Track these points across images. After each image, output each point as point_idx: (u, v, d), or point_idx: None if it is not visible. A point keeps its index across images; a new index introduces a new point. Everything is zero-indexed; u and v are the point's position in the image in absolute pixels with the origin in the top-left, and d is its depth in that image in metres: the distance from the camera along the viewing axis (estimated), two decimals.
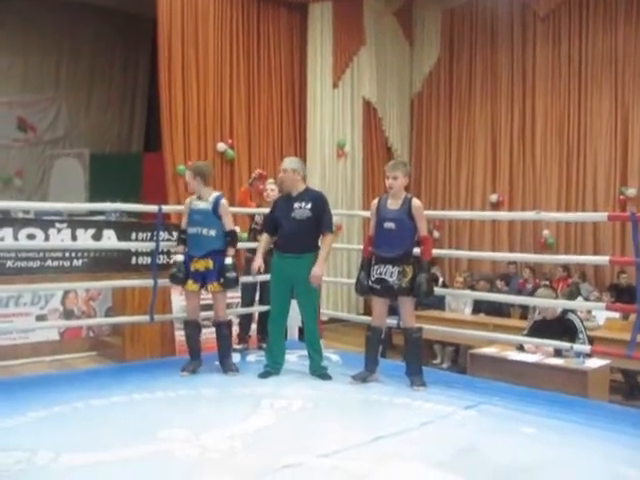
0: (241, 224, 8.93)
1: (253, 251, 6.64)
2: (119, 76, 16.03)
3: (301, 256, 5.88)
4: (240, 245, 6.63)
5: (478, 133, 13.36)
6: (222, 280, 5.94)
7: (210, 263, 5.96)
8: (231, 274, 5.94)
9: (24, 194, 14.12)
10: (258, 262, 6.05)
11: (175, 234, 8.20)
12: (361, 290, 5.88)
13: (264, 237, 6.21)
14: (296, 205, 5.90)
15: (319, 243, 6.00)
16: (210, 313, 6.36)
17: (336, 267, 11.80)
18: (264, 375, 5.93)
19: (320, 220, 5.92)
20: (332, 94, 12.39)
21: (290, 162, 6.06)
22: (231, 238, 6.04)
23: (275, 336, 6.09)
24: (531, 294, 8.61)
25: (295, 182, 5.98)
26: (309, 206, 5.88)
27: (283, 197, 6.15)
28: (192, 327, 6.18)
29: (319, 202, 5.97)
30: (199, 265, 5.98)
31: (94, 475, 3.61)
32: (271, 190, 7.23)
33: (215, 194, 6.11)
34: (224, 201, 6.07)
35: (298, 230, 5.85)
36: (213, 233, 5.97)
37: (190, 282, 6.03)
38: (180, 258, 6.06)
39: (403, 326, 5.87)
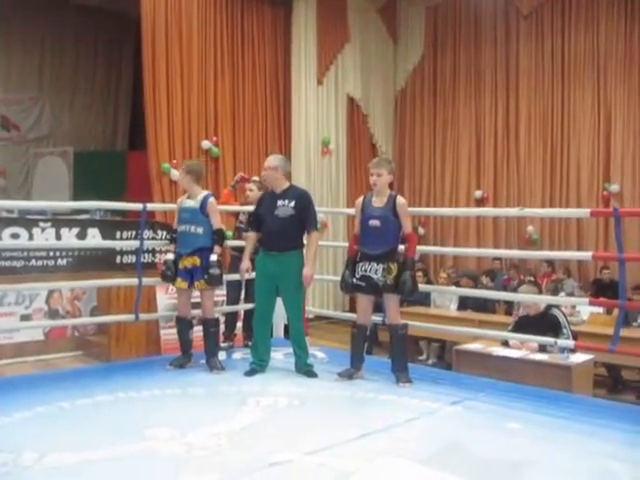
0: (225, 222, 8.91)
1: (239, 249, 6.65)
2: (103, 74, 15.93)
3: (285, 254, 5.90)
4: (225, 243, 6.62)
5: (462, 130, 13.41)
6: (206, 277, 5.97)
7: (197, 260, 6.01)
8: (215, 271, 5.96)
9: (7, 193, 14.03)
10: (246, 264, 6.15)
11: (160, 232, 8.25)
12: (346, 288, 5.91)
13: (250, 235, 6.23)
14: (279, 203, 5.90)
15: (304, 240, 6.03)
16: (199, 311, 6.37)
17: (322, 264, 11.79)
18: (250, 373, 5.94)
19: (304, 218, 5.94)
20: (316, 91, 12.38)
21: (272, 160, 6.07)
22: (218, 236, 6.07)
23: (260, 334, 6.10)
24: (515, 290, 8.66)
25: (277, 180, 5.98)
26: (292, 204, 5.89)
27: (268, 194, 6.15)
28: (182, 324, 6.26)
29: (303, 200, 5.98)
30: (187, 262, 6.04)
31: (80, 475, 3.60)
32: (249, 190, 7.27)
33: (204, 193, 6.17)
34: (212, 199, 6.12)
35: (282, 228, 5.86)
36: (200, 231, 6.01)
37: (179, 280, 6.08)
38: (170, 257, 6.13)
39: (388, 323, 5.88)
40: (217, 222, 6.09)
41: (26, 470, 3.66)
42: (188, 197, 6.16)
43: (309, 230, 5.99)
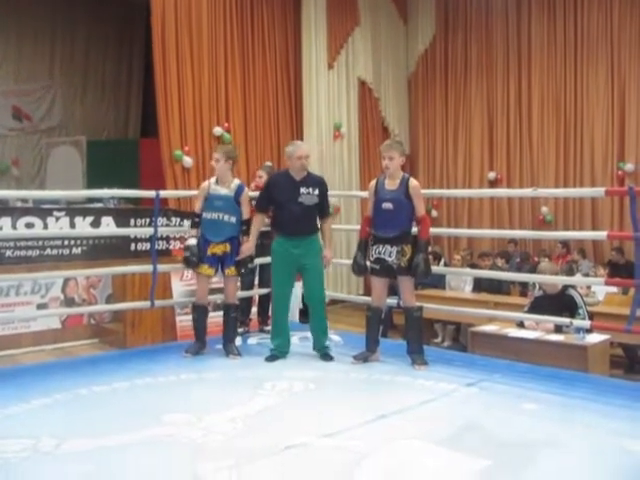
0: None
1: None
2: (114, 62, 15.93)
3: (307, 238, 5.96)
4: None
5: (475, 111, 13.33)
6: (239, 267, 6.05)
7: (228, 247, 6.03)
8: (252, 264, 6.20)
9: (21, 183, 14.09)
10: (251, 244, 6.11)
11: (174, 219, 8.24)
12: (358, 270, 5.92)
13: (258, 218, 6.19)
14: (303, 190, 5.90)
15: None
16: (214, 297, 6.39)
17: (335, 248, 11.74)
18: (271, 359, 5.95)
19: (323, 205, 6.05)
20: (327, 75, 12.33)
21: (308, 148, 6.31)
22: (247, 227, 6.08)
23: (280, 319, 6.11)
24: (530, 271, 8.63)
25: (307, 167, 6.06)
26: (317, 192, 5.94)
27: (283, 178, 6.08)
28: (200, 311, 6.24)
29: (323, 188, 6.06)
30: (217, 249, 6.03)
31: (98, 460, 3.64)
32: (259, 177, 7.28)
33: (237, 181, 6.16)
34: (247, 189, 6.18)
35: (307, 214, 5.92)
36: (234, 220, 6.03)
37: (206, 266, 6.06)
38: (193, 242, 6.07)
39: (403, 305, 5.88)
40: (247, 212, 6.12)
41: (45, 456, 3.70)
42: (217, 183, 6.10)
43: (325, 215, 6.11)
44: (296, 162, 5.92)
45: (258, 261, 6.72)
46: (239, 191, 6.06)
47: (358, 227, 6.26)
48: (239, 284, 7.37)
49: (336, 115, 12.43)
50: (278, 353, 6.02)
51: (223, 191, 6.04)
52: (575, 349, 5.89)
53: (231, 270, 6.05)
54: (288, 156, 6.00)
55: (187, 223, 7.24)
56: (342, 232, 11.76)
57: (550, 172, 12.21)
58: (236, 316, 6.33)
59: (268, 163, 8.45)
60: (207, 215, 6.06)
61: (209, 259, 6.03)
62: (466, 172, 13.46)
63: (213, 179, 6.15)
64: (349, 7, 12.63)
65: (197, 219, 6.17)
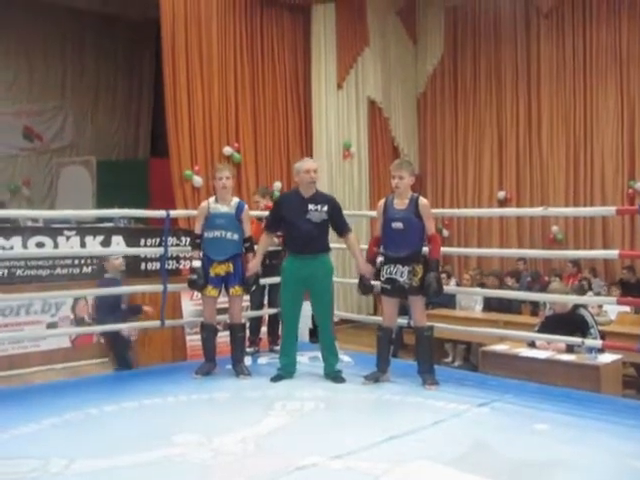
0: None
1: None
2: (124, 82, 16.08)
3: (317, 257, 5.89)
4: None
5: (484, 130, 13.36)
6: (245, 285, 6.01)
7: (231, 267, 5.97)
8: (258, 283, 6.13)
9: (32, 203, 14.16)
10: (256, 262, 6.05)
11: (184, 239, 8.24)
12: (363, 289, 5.91)
13: (265, 237, 6.16)
14: (311, 207, 5.84)
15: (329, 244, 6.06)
16: (223, 317, 6.36)
17: (345, 268, 11.77)
18: (276, 379, 5.90)
19: (338, 222, 5.97)
20: (337, 95, 12.40)
21: (316, 163, 6.17)
22: (250, 244, 6.06)
23: (289, 339, 6.07)
24: (540, 291, 8.60)
25: (316, 183, 5.99)
26: (325, 208, 5.86)
27: (292, 197, 6.07)
28: (209, 331, 6.18)
29: (334, 204, 5.99)
30: (219, 269, 5.97)
31: None
32: (255, 202, 7.38)
33: (237, 199, 6.15)
34: (247, 207, 6.16)
35: (316, 232, 5.84)
36: (236, 237, 5.98)
37: (210, 288, 6.00)
38: (198, 264, 6.01)
39: (414, 325, 5.85)
40: (249, 229, 6.11)
41: (55, 476, 3.68)
42: (217, 202, 6.09)
43: (346, 232, 6.02)
44: (304, 176, 5.88)
45: (267, 281, 6.70)
46: (240, 208, 6.04)
47: (367, 247, 6.21)
48: (249, 303, 7.39)
49: (346, 135, 12.48)
50: (284, 373, 5.97)
51: (224, 209, 6.01)
52: (587, 369, 5.85)
53: (235, 290, 6.02)
54: (296, 172, 5.98)
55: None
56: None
57: (560, 191, 12.21)
58: (243, 335, 6.29)
59: (261, 186, 8.54)
60: (209, 234, 6.02)
61: (212, 280, 5.98)
62: (475, 191, 13.47)
63: (212, 198, 6.13)
64: (358, 27, 12.72)
65: (198, 240, 6.10)
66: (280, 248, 6.61)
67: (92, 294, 7.69)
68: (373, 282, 5.92)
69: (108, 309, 6.67)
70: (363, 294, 6.33)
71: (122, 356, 6.99)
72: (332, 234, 6.07)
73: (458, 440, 4.27)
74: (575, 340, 5.89)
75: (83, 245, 7.95)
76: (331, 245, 6.16)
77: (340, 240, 6.17)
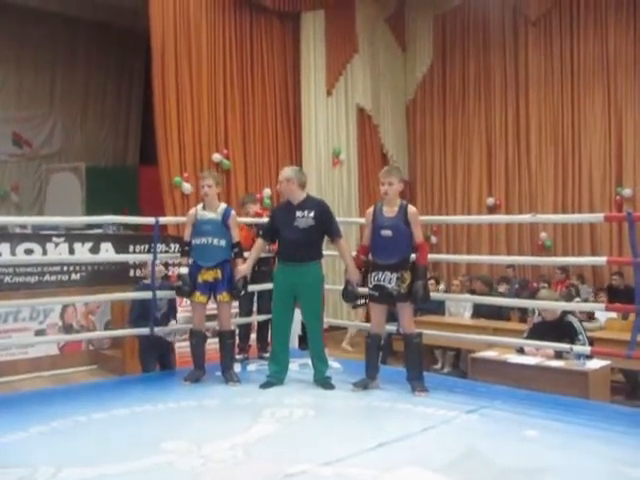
0: None
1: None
2: (113, 90, 16.07)
3: (305, 265, 5.87)
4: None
5: (473, 137, 13.41)
6: (234, 291, 5.98)
7: (219, 273, 5.96)
8: (246, 288, 6.07)
9: (21, 209, 14.12)
10: (246, 267, 6.06)
11: (173, 246, 8.23)
12: (347, 297, 5.93)
13: (258, 243, 6.19)
14: (298, 214, 5.84)
15: (322, 251, 6.04)
16: (212, 324, 6.35)
17: (334, 274, 11.77)
18: (266, 385, 5.89)
19: (327, 228, 5.95)
20: (326, 102, 12.43)
21: (285, 172, 6.03)
22: (238, 249, 6.05)
23: (279, 346, 6.06)
24: (529, 298, 8.62)
25: (293, 192, 5.93)
26: (312, 214, 5.84)
27: (283, 205, 6.12)
28: (198, 337, 6.17)
29: (322, 209, 5.95)
30: (208, 276, 5.96)
31: None
32: (245, 214, 7.31)
33: (224, 205, 6.15)
34: (234, 212, 6.13)
35: (302, 239, 5.81)
36: (223, 243, 5.97)
37: (198, 294, 6.00)
38: (185, 270, 6.01)
39: (403, 332, 5.86)
40: (236, 235, 6.09)
41: None
42: (204, 209, 6.09)
43: (335, 238, 5.98)
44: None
45: (256, 288, 6.70)
46: (226, 214, 6.04)
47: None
48: (237, 310, 7.37)
49: (335, 142, 12.50)
50: (274, 380, 5.96)
51: (210, 215, 6.02)
52: (576, 375, 5.87)
53: (224, 296, 6.00)
54: None
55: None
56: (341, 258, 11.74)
57: (549, 198, 12.27)
58: (232, 342, 6.28)
59: (248, 194, 8.58)
60: (197, 241, 6.02)
61: (200, 287, 5.99)
62: (465, 198, 13.52)
63: (200, 205, 6.14)
64: (347, 35, 12.76)
65: (187, 247, 6.10)
66: (271, 255, 6.61)
67: (81, 301, 7.70)
68: (360, 289, 5.91)
69: (141, 315, 6.62)
70: (347, 302, 6.34)
71: (164, 359, 7.07)
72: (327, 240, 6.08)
73: (447, 447, 4.27)
74: (564, 346, 5.91)
75: (72, 252, 7.94)
76: (323, 252, 6.15)
77: (331, 247, 6.16)
